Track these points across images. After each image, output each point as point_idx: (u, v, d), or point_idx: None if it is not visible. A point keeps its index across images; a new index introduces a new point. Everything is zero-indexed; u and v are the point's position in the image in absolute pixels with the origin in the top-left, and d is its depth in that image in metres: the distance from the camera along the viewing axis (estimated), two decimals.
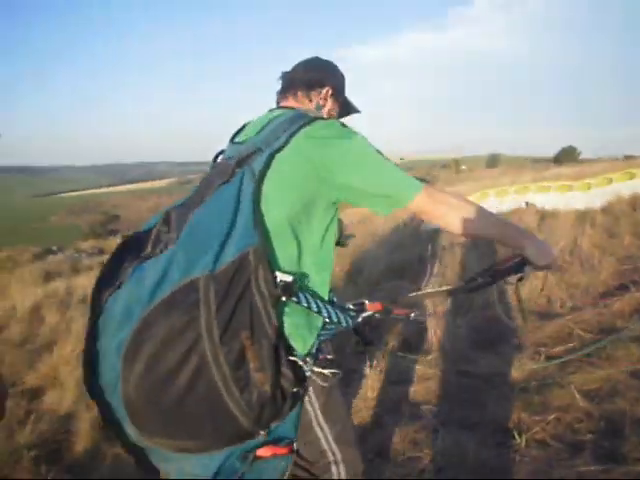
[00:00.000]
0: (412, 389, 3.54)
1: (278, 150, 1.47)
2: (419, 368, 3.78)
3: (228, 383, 1.29)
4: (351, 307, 1.73)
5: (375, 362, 3.74)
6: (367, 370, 3.64)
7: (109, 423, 1.42)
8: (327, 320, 1.51)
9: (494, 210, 10.20)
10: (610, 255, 5.78)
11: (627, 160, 26.62)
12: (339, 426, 1.64)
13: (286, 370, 1.36)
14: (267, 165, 1.45)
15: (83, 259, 22.58)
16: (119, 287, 1.44)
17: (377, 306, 1.76)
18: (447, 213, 1.52)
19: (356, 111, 1.98)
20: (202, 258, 1.33)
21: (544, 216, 8.71)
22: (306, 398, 1.55)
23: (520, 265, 1.61)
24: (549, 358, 3.65)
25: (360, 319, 1.70)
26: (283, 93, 1.84)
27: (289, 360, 1.38)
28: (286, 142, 1.47)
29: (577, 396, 3.01)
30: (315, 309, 1.46)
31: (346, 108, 1.93)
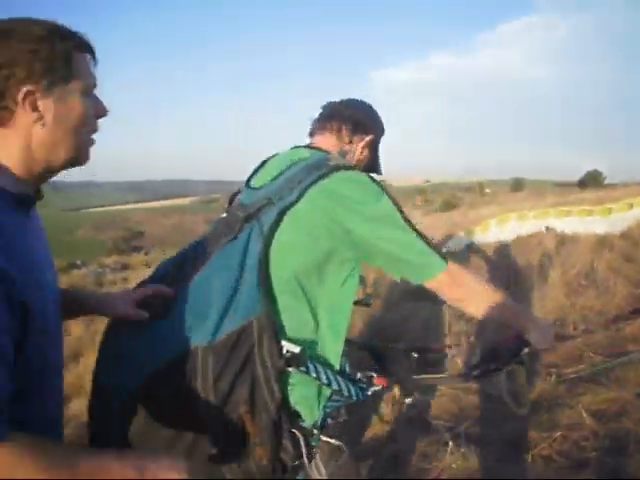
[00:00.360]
0: (426, 405, 3.64)
1: (290, 205, 1.38)
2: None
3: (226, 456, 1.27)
4: (361, 379, 1.59)
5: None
6: None
7: None
8: (337, 392, 1.44)
9: (514, 234, 10.29)
10: (625, 279, 5.83)
11: None
12: None
13: (287, 443, 1.30)
14: (278, 222, 1.36)
15: (107, 274, 22.89)
16: (126, 338, 1.39)
17: (383, 381, 1.62)
18: (464, 297, 1.47)
19: (379, 172, 1.82)
20: (201, 326, 1.26)
21: (563, 240, 8.76)
22: (313, 463, 1.53)
23: (520, 347, 1.62)
24: (560, 379, 3.74)
25: (370, 393, 1.58)
26: (326, 121, 1.71)
27: (292, 433, 1.32)
28: (299, 196, 1.38)
29: (584, 415, 3.11)
30: (325, 381, 1.36)
31: (372, 164, 1.80)
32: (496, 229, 10.84)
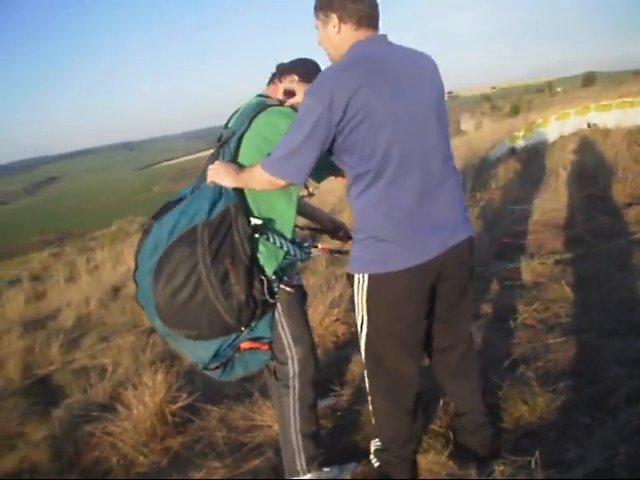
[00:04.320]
0: None
1: (244, 132, 2.05)
2: None
3: (217, 293, 1.93)
4: (307, 246, 2.27)
5: None
6: None
7: (150, 319, 2.13)
8: (288, 253, 2.09)
9: (557, 133, 10.39)
10: None
11: None
12: (297, 330, 2.18)
13: (257, 284, 1.98)
14: (238, 143, 2.05)
15: None
16: (150, 232, 2.06)
17: (325, 250, 2.55)
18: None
19: None
20: (200, 211, 1.95)
21: (602, 134, 8.84)
22: (275, 309, 2.12)
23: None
24: (557, 262, 4.23)
25: (312, 256, 2.31)
26: (271, 79, 2.34)
27: (260, 278, 2.01)
28: (249, 125, 2.05)
29: (566, 289, 3.63)
30: (278, 245, 2.03)
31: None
32: (540, 131, 10.96)
